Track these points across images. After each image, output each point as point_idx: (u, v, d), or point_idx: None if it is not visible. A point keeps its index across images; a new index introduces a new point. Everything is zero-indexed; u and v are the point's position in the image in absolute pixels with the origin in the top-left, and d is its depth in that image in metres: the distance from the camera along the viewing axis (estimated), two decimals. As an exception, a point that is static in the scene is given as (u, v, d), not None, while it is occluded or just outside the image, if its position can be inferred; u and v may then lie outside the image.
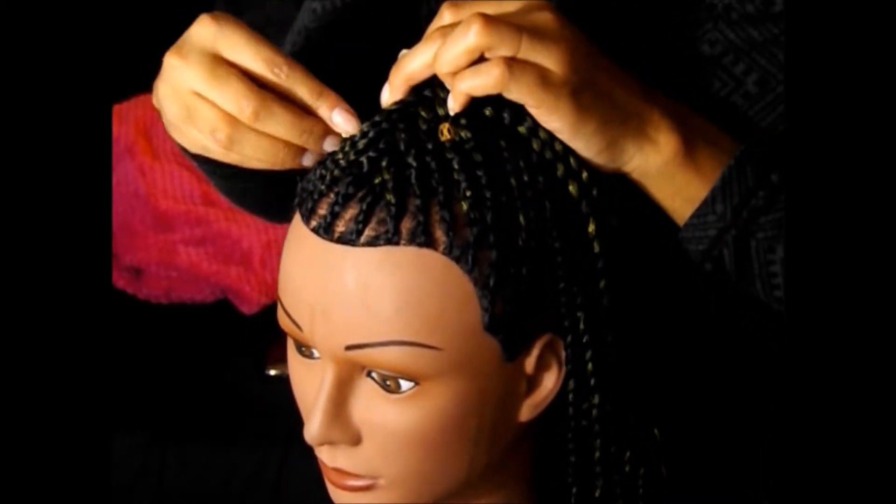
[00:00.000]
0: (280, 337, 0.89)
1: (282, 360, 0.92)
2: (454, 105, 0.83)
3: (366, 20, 1.05)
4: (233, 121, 0.84)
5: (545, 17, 0.82)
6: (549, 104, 0.81)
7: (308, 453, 0.90)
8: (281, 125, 0.84)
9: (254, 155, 0.85)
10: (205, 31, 0.85)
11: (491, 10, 0.82)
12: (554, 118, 0.82)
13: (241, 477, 1.17)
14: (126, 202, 2.13)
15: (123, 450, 1.18)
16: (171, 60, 0.86)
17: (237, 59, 0.85)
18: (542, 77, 0.81)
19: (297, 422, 0.89)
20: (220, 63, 0.84)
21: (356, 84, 0.88)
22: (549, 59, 0.81)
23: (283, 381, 0.91)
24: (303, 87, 0.85)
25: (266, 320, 1.90)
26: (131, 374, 1.85)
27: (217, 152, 0.87)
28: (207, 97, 0.84)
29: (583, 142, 0.83)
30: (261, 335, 1.97)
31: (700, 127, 0.87)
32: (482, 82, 0.80)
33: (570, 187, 0.83)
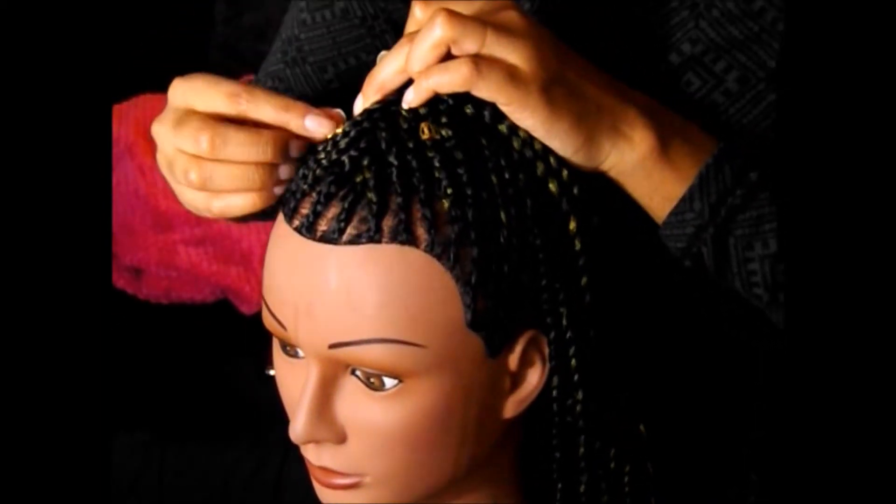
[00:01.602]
0: (280, 337, 0.89)
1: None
2: (413, 99, 0.83)
3: (355, 30, 1.06)
4: (198, 159, 0.85)
5: (510, 15, 0.83)
6: (520, 101, 0.81)
7: (308, 454, 0.90)
8: (238, 146, 0.84)
9: (228, 185, 0.86)
10: (176, 93, 0.87)
11: (458, 9, 0.82)
12: (526, 115, 0.82)
13: (241, 477, 1.17)
14: (126, 202, 2.13)
15: (124, 450, 1.18)
16: (155, 129, 0.88)
17: (204, 104, 0.86)
18: (510, 74, 0.81)
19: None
20: (186, 113, 0.86)
21: (348, 90, 0.88)
22: (515, 55, 0.81)
23: (284, 382, 0.91)
24: (266, 106, 0.85)
25: (266, 320, 1.90)
26: (131, 374, 1.85)
27: (204, 208, 0.88)
28: (176, 146, 0.86)
29: (558, 140, 0.83)
30: (261, 335, 1.96)
31: (677, 125, 0.87)
32: (449, 79, 0.81)
33: (551, 185, 0.84)
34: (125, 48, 1.99)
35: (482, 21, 0.81)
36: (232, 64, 2.15)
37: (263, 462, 1.17)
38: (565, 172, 0.84)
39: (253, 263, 2.07)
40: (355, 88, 0.87)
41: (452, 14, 0.81)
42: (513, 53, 0.81)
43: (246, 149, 0.84)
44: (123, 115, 2.17)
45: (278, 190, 0.86)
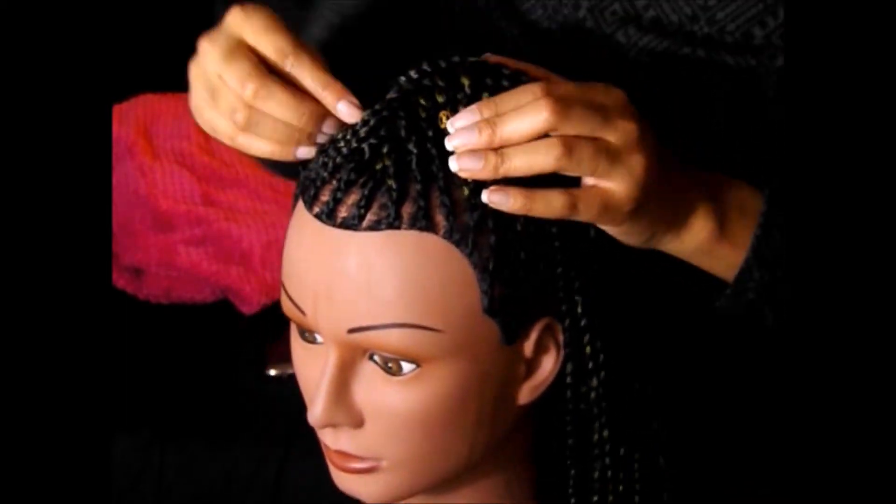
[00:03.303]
0: (280, 337, 0.89)
1: (282, 359, 0.93)
2: (481, 171, 0.80)
3: (381, 23, 1.07)
4: (247, 105, 0.86)
5: (626, 127, 0.81)
6: (609, 221, 0.82)
7: (308, 453, 0.90)
8: (280, 106, 0.85)
9: (265, 134, 0.86)
10: (234, 20, 0.88)
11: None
12: (608, 227, 0.83)
13: (241, 477, 1.17)
14: (126, 202, 2.12)
15: (124, 450, 1.18)
16: (202, 45, 0.88)
17: (256, 44, 0.87)
18: (605, 201, 0.81)
19: (297, 422, 0.89)
20: (238, 46, 0.86)
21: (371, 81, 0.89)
22: (618, 179, 0.80)
23: (283, 381, 0.91)
24: (308, 78, 0.86)
25: (266, 320, 1.90)
26: (131, 374, 1.85)
27: (227, 136, 0.88)
28: (223, 77, 0.86)
29: (624, 238, 0.85)
30: (261, 335, 1.96)
31: (731, 193, 0.88)
32: (542, 162, 0.79)
33: None
34: (125, 48, 1.99)
35: (596, 147, 0.79)
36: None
37: (263, 462, 1.17)
38: None
39: (253, 263, 2.07)
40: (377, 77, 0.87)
41: (561, 105, 0.79)
42: (617, 178, 0.80)
43: (286, 111, 0.85)
44: (123, 115, 2.17)
45: (300, 153, 0.87)
